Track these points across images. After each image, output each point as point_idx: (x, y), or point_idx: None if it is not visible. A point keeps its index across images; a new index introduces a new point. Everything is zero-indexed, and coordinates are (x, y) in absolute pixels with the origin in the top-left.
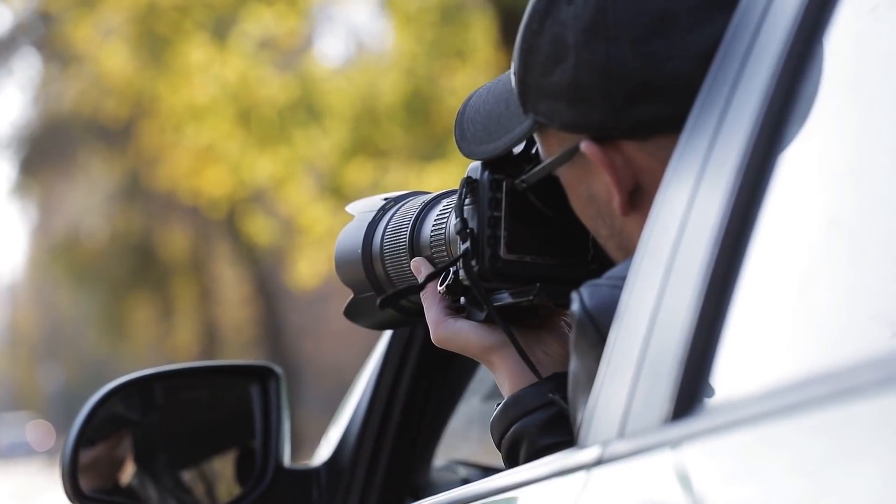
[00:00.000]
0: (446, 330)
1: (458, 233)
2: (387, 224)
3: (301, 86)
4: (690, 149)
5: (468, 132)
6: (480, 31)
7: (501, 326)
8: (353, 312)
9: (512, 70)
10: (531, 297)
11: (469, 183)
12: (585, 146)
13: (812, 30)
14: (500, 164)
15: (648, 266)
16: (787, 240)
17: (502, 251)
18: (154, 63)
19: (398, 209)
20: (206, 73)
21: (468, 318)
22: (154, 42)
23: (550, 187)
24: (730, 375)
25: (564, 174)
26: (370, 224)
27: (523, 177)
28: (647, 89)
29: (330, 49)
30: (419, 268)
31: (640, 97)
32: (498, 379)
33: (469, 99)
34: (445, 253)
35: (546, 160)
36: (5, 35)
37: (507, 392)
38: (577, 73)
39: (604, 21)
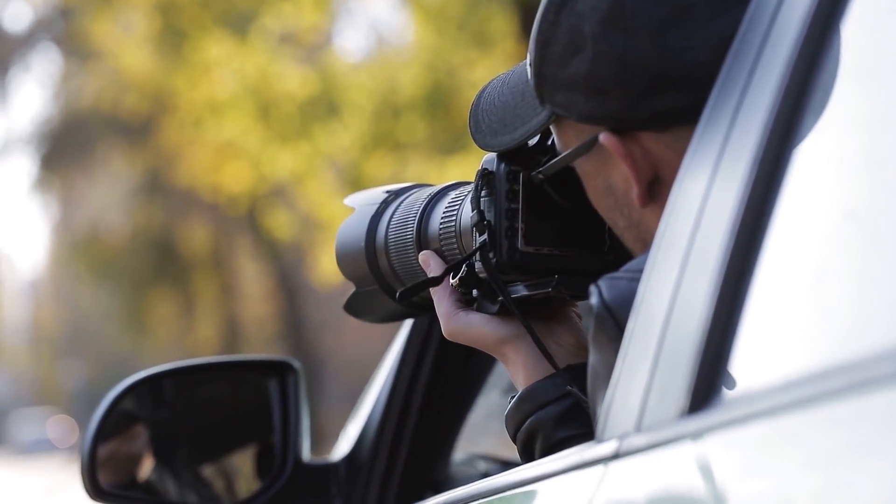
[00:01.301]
0: (458, 323)
1: (474, 225)
2: (391, 217)
3: (321, 80)
4: (706, 141)
5: (483, 123)
6: (501, 24)
7: (519, 318)
8: (354, 307)
9: (528, 61)
10: (550, 289)
11: (485, 175)
12: (604, 137)
13: (827, 21)
14: (515, 156)
15: (664, 259)
16: (802, 232)
17: (520, 243)
18: (174, 58)
19: (402, 202)
20: (226, 68)
21: (479, 310)
22: (174, 37)
23: (566, 178)
24: (746, 368)
25: (582, 165)
26: (373, 217)
27: (540, 168)
28: (665, 80)
29: (350, 43)
30: (428, 261)
31: (659, 88)
32: (511, 371)
33: (483, 90)
34: (456, 246)
35: (564, 152)
36: (25, 31)
37: (521, 385)
38: (595, 65)
39: (621, 12)
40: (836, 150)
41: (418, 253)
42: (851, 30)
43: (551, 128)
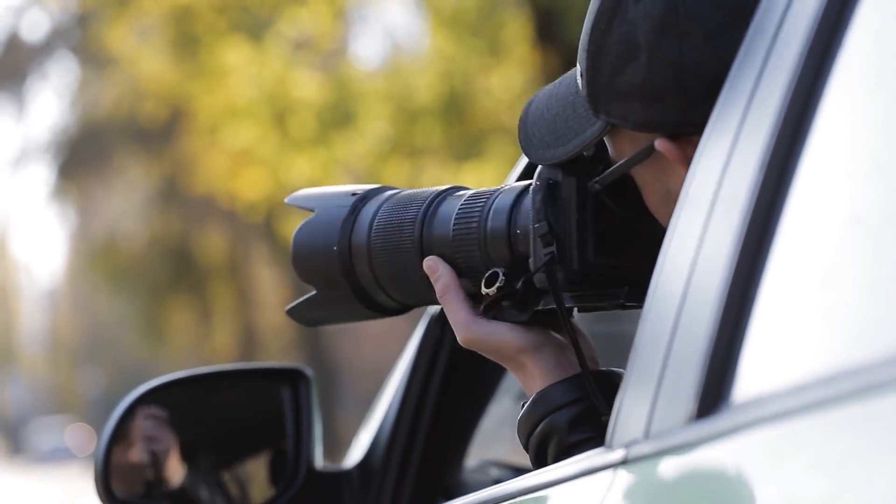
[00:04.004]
0: (480, 330)
1: (540, 236)
2: (373, 219)
3: (337, 87)
4: (711, 147)
5: (534, 137)
6: (515, 31)
7: (565, 328)
8: (301, 312)
9: (579, 72)
10: (620, 300)
11: (549, 186)
12: (661, 144)
13: (835, 24)
14: (575, 167)
15: (671, 265)
16: (810, 236)
17: (591, 254)
18: (190, 65)
19: (384, 204)
20: (242, 74)
21: (499, 319)
22: (190, 44)
23: (620, 187)
24: (754, 373)
25: (639, 173)
26: (345, 219)
27: (597, 178)
28: (721, 84)
29: (366, 50)
30: (435, 267)
31: (716, 92)
32: (527, 381)
33: (530, 104)
34: (477, 253)
35: (620, 160)
36: (42, 40)
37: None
38: (651, 72)
39: (675, 18)
40: (844, 153)
41: (420, 258)
42: (861, 33)
43: (604, 137)
